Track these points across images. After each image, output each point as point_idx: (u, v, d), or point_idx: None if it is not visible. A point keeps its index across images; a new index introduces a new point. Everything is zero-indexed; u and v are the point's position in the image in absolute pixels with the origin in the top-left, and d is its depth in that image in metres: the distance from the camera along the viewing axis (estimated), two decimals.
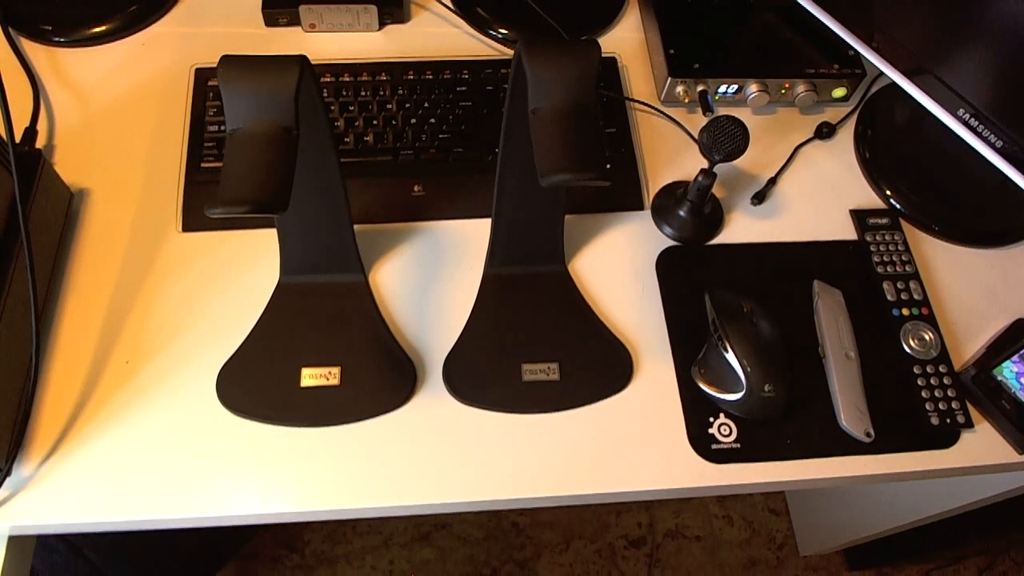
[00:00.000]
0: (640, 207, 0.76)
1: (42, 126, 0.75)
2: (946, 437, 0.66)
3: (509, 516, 1.43)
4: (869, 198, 0.79)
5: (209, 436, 0.62)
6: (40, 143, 0.74)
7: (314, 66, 0.53)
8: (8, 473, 0.59)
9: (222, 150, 0.74)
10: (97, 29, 0.82)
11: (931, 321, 0.71)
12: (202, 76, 0.78)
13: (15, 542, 0.61)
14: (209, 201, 0.71)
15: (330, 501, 0.60)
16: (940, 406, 0.67)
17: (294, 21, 0.84)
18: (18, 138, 0.72)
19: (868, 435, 0.64)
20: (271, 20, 0.84)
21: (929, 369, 0.68)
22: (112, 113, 0.77)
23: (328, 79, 0.78)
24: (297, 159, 0.50)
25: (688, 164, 0.79)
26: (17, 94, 0.77)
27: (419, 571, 1.37)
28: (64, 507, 0.59)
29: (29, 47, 0.81)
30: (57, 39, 0.81)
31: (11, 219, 0.61)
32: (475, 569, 1.38)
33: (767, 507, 1.48)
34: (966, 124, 0.69)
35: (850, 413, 0.65)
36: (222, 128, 0.75)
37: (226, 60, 0.51)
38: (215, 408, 0.63)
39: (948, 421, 0.66)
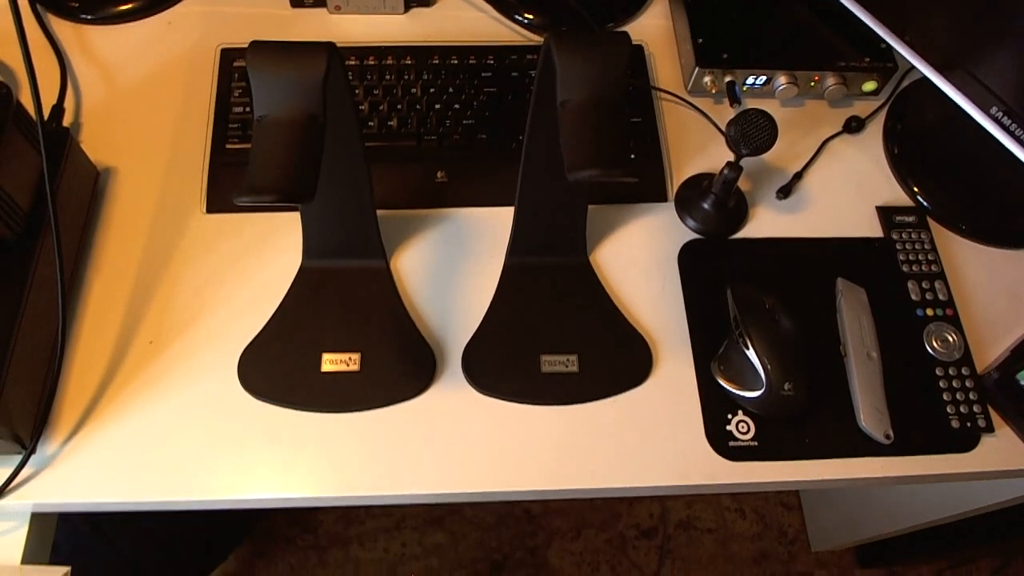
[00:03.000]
0: (664, 198, 0.75)
1: (69, 103, 0.76)
2: (966, 440, 0.66)
3: (521, 502, 1.44)
4: (896, 195, 0.78)
5: (229, 419, 0.63)
6: (67, 121, 0.74)
7: (340, 49, 0.53)
8: (33, 451, 0.59)
9: (247, 131, 0.74)
10: (124, 7, 0.82)
11: (955, 322, 0.70)
12: (228, 56, 0.78)
13: (38, 519, 0.62)
14: (235, 186, 0.71)
15: (347, 488, 0.61)
16: (961, 409, 0.66)
17: (320, 2, 0.84)
18: (45, 115, 0.72)
19: (887, 437, 0.64)
20: (297, 1, 0.84)
21: (951, 371, 0.68)
22: (138, 92, 0.77)
23: (353, 62, 0.78)
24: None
25: (713, 155, 0.78)
26: (45, 71, 0.77)
27: (430, 555, 1.38)
28: (86, 486, 0.59)
29: (56, 24, 0.81)
30: (84, 16, 0.81)
31: (39, 198, 0.62)
32: (486, 554, 1.39)
33: (779, 501, 1.48)
34: (998, 122, 0.68)
35: (870, 414, 0.64)
36: (247, 109, 0.75)
37: (255, 46, 0.50)
38: (236, 391, 0.64)
39: (969, 424, 0.66)
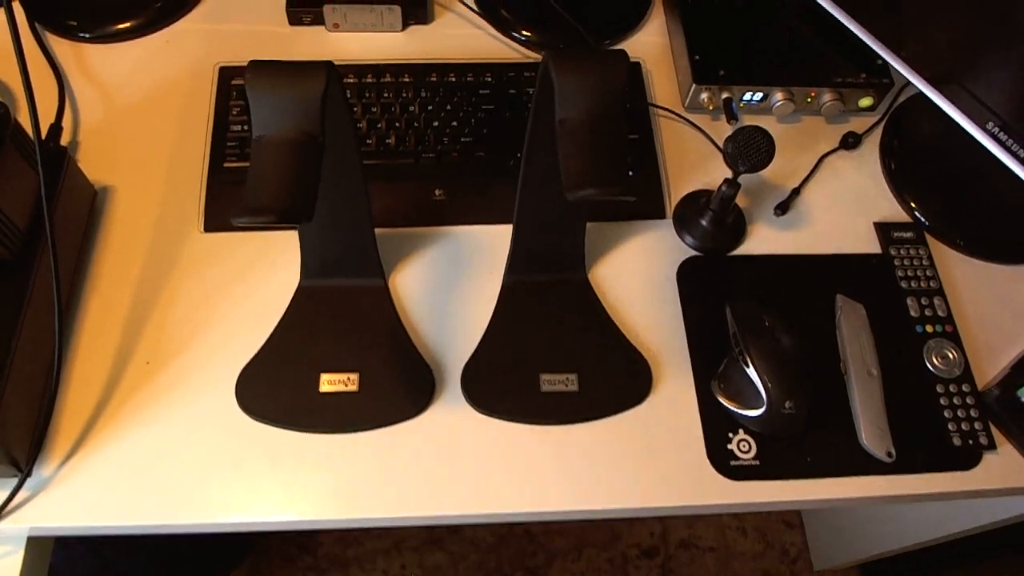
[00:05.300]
0: (662, 215, 0.75)
1: (66, 122, 0.75)
2: (968, 458, 0.65)
3: (521, 523, 1.43)
4: (894, 210, 0.78)
5: (227, 440, 0.62)
6: (64, 139, 0.74)
7: (337, 67, 0.53)
8: (28, 474, 0.59)
9: (245, 149, 0.74)
10: (122, 25, 0.82)
11: (955, 339, 0.70)
12: (226, 75, 0.78)
13: (34, 543, 0.61)
14: (233, 206, 0.71)
15: (345, 511, 0.60)
16: (963, 426, 0.66)
17: (318, 20, 0.84)
18: (43, 135, 0.72)
19: (889, 455, 0.64)
20: (295, 19, 0.84)
21: (952, 388, 0.67)
22: (136, 110, 0.77)
23: (351, 80, 0.78)
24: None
25: (711, 172, 0.78)
26: (43, 89, 0.77)
27: None
28: (82, 510, 0.59)
29: (55, 42, 0.81)
30: (82, 35, 0.81)
31: (36, 217, 0.62)
32: (486, 575, 1.38)
33: (781, 519, 1.47)
34: (994, 137, 0.68)
35: (871, 432, 0.64)
36: (245, 127, 0.75)
37: (254, 65, 0.50)
38: (234, 412, 0.63)
39: (970, 442, 0.65)
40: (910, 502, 0.66)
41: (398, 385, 0.64)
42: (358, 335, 0.66)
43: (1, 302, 0.58)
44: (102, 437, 0.62)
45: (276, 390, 0.63)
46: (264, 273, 0.69)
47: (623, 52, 0.54)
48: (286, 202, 0.46)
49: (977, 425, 0.66)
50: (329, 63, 0.51)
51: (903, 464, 0.64)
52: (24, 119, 0.61)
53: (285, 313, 0.67)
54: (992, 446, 0.65)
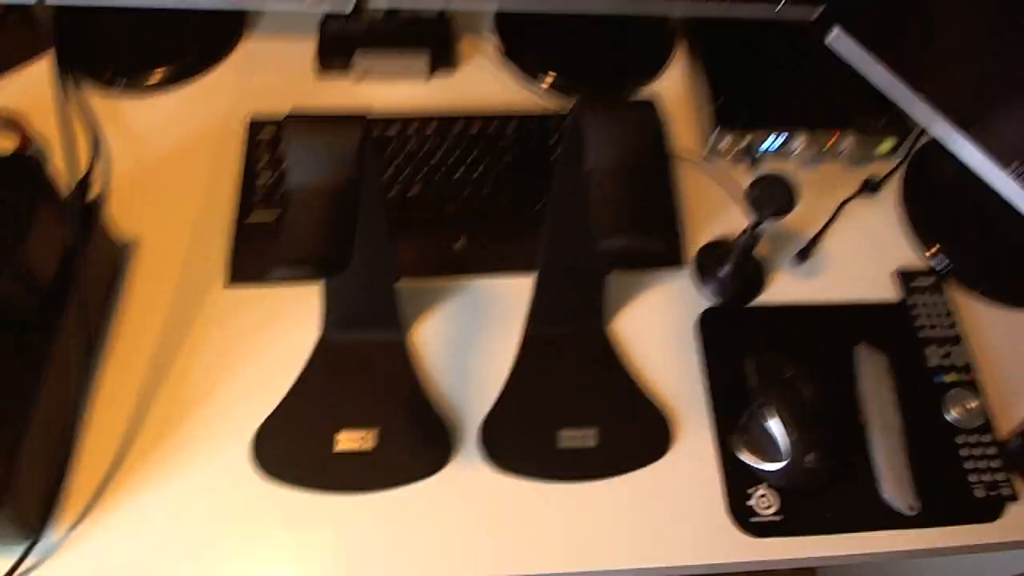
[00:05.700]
0: (680, 263, 0.76)
1: (96, 173, 0.76)
2: (991, 510, 0.65)
3: None
4: (914, 257, 0.78)
5: (241, 503, 0.61)
6: (95, 191, 0.75)
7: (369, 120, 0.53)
8: (37, 540, 0.58)
9: (271, 203, 0.75)
10: (154, 78, 0.83)
11: (976, 388, 0.69)
12: (255, 127, 0.79)
13: None
14: (258, 257, 0.71)
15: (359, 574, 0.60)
16: (984, 478, 0.65)
17: (347, 68, 0.85)
18: (73, 187, 0.73)
19: (911, 508, 0.63)
20: (326, 65, 0.85)
21: (972, 439, 0.67)
22: (166, 161, 0.78)
23: (377, 132, 0.79)
24: None
25: (730, 220, 0.79)
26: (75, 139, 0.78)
27: None
28: (90, 574, 0.58)
29: (87, 92, 0.82)
30: (115, 86, 0.83)
31: (61, 270, 0.61)
32: None
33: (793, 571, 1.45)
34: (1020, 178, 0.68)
35: (892, 485, 0.64)
36: (270, 181, 0.76)
37: (293, 118, 0.51)
38: (249, 473, 0.63)
39: (993, 493, 0.65)
40: (932, 556, 0.66)
41: (415, 443, 0.64)
42: (376, 391, 0.66)
43: (23, 360, 0.57)
44: (115, 499, 0.61)
45: (293, 448, 0.63)
46: (284, 327, 0.70)
47: (652, 103, 0.54)
48: (324, 252, 0.46)
49: (999, 476, 0.66)
50: (364, 116, 0.52)
51: (925, 517, 0.64)
52: (57, 163, 0.60)
53: (304, 369, 0.67)
54: (1015, 497, 0.65)
